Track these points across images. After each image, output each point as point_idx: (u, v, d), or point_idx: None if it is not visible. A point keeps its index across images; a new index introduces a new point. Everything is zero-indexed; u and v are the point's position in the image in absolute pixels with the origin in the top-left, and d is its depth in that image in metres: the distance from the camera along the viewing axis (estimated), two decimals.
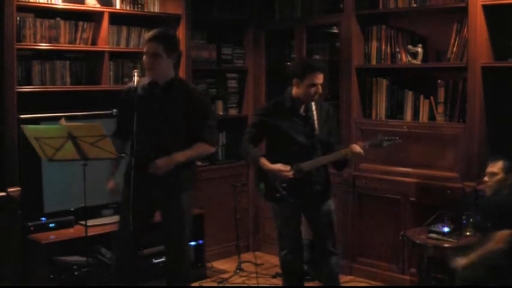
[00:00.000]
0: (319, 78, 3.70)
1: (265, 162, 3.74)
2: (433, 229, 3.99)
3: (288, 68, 4.96)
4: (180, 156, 3.48)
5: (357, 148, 3.66)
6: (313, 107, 3.80)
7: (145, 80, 3.58)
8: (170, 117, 3.45)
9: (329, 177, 3.93)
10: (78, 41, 4.55)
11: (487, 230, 3.59)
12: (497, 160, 3.60)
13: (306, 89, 3.70)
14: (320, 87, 3.71)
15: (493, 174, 3.59)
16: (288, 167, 3.68)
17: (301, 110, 3.80)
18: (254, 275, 4.99)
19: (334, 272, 3.94)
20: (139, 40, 4.87)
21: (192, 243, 4.87)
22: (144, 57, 3.49)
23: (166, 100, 3.49)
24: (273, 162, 3.72)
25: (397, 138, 3.79)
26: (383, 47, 4.80)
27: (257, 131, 3.88)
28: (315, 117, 3.78)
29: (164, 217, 3.61)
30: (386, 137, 3.76)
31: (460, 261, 3.50)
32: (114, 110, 3.85)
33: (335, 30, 5.45)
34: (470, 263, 3.46)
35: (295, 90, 3.78)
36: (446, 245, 3.85)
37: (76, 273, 4.07)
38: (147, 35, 3.56)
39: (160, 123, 3.45)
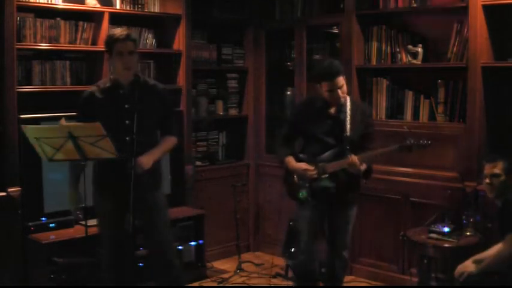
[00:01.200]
0: (336, 84, 3.60)
1: (290, 160, 3.74)
2: (433, 229, 3.99)
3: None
4: (158, 152, 3.54)
5: (354, 159, 3.54)
6: (348, 107, 3.70)
7: (105, 83, 3.56)
8: (142, 115, 3.41)
9: (359, 183, 3.80)
10: (78, 41, 4.55)
11: (491, 231, 3.55)
12: (496, 160, 3.51)
13: (326, 94, 3.65)
14: (339, 91, 3.60)
15: (496, 175, 3.48)
16: (312, 167, 3.64)
17: (333, 110, 3.71)
18: (254, 275, 5.00)
19: (338, 275, 3.91)
20: (140, 40, 4.87)
21: (192, 243, 4.88)
22: (117, 57, 3.44)
23: (135, 99, 3.45)
24: (301, 161, 3.71)
25: (428, 141, 3.60)
26: (383, 47, 4.80)
27: (290, 131, 3.88)
28: (348, 118, 3.68)
29: (146, 215, 3.58)
30: (416, 142, 3.59)
31: (469, 267, 3.41)
32: (76, 114, 3.63)
33: (335, 30, 5.45)
34: (481, 270, 3.36)
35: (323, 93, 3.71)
36: (446, 245, 3.85)
37: (76, 273, 4.06)
38: (119, 34, 3.45)
39: (133, 122, 3.38)
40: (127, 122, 3.43)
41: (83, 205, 3.50)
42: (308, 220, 3.78)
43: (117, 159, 3.30)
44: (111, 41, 3.46)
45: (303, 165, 3.67)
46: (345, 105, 3.71)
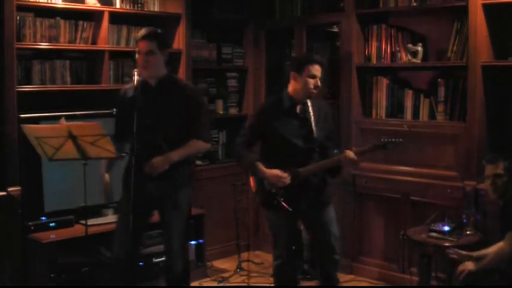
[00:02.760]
0: (318, 70, 3.57)
1: (261, 167, 3.62)
2: (434, 228, 3.99)
3: (287, 66, 4.92)
4: (175, 155, 3.47)
5: (350, 154, 3.51)
6: (310, 107, 3.63)
7: (138, 81, 3.56)
8: (165, 116, 3.43)
9: (327, 183, 3.76)
10: (78, 41, 4.55)
11: (491, 230, 3.54)
12: (497, 160, 3.49)
13: (304, 82, 3.56)
14: (319, 80, 3.57)
15: (498, 175, 3.46)
16: (286, 174, 3.54)
17: (298, 110, 3.64)
18: (254, 274, 5.00)
19: (330, 276, 3.86)
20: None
21: (193, 242, 4.88)
22: (138, 56, 3.48)
23: (160, 99, 3.48)
24: (269, 167, 3.59)
25: (400, 139, 3.61)
26: (383, 46, 4.80)
27: (253, 134, 3.73)
28: (312, 118, 3.61)
29: (162, 216, 3.61)
30: (389, 140, 3.58)
31: (469, 266, 3.40)
32: (114, 111, 3.83)
33: (335, 30, 5.45)
34: (481, 268, 3.35)
35: (292, 87, 3.64)
36: (446, 244, 3.85)
37: (76, 273, 4.07)
38: (139, 33, 3.54)
39: (155, 123, 3.43)
40: (148, 121, 3.42)
41: (83, 205, 3.51)
42: (286, 227, 3.70)
43: (137, 158, 3.27)
44: (136, 40, 3.52)
45: (277, 172, 3.56)
46: (307, 104, 3.63)
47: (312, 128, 3.59)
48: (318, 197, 3.69)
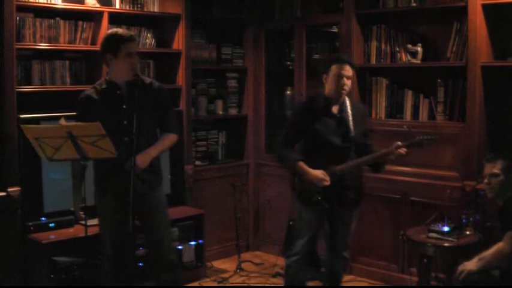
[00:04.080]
0: (346, 70, 3.62)
1: (303, 166, 3.66)
2: (433, 228, 3.99)
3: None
4: (154, 150, 3.51)
5: (402, 150, 3.54)
6: (348, 107, 3.69)
7: (101, 84, 3.55)
8: (140, 115, 3.39)
9: (363, 184, 3.85)
10: (77, 41, 4.55)
11: (491, 230, 3.54)
12: (495, 159, 3.50)
13: (333, 82, 3.62)
14: (348, 80, 3.62)
15: (494, 175, 3.47)
16: (328, 177, 3.61)
17: (335, 110, 3.69)
18: (254, 275, 5.00)
19: (338, 275, 3.91)
20: (139, 40, 4.87)
21: (192, 242, 4.88)
22: (128, 58, 3.44)
23: (132, 98, 3.43)
24: (308, 165, 3.64)
25: (434, 136, 3.67)
26: (382, 47, 4.80)
27: (292, 132, 3.79)
28: (350, 118, 3.66)
29: (146, 214, 3.59)
30: (425, 137, 3.63)
31: (469, 266, 3.40)
32: (76, 115, 3.62)
33: (335, 30, 5.45)
34: (481, 267, 3.36)
35: (326, 89, 3.70)
36: (446, 244, 3.85)
37: (76, 273, 4.06)
38: (125, 34, 3.47)
39: (131, 122, 3.37)
40: (125, 122, 3.43)
41: (84, 205, 3.50)
42: (310, 224, 3.76)
43: (117, 158, 3.29)
44: (117, 41, 3.42)
45: (320, 173, 3.62)
46: (345, 104, 3.70)
47: (349, 128, 3.65)
48: (351, 198, 3.74)
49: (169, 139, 3.65)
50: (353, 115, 3.68)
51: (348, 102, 3.71)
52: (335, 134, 3.66)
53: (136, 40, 3.50)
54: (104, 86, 3.52)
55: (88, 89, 3.59)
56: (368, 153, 3.68)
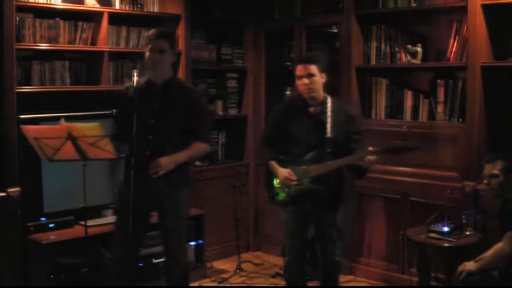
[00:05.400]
0: (298, 70, 3.57)
1: (274, 165, 3.66)
2: (433, 228, 3.99)
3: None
4: (181, 156, 3.48)
5: (370, 158, 3.43)
6: (329, 108, 3.61)
7: (143, 80, 3.55)
8: (169, 117, 3.44)
9: (341, 186, 3.72)
10: (77, 41, 4.55)
11: (490, 230, 3.54)
12: (495, 160, 3.50)
13: (296, 83, 3.62)
14: (306, 79, 3.55)
15: (494, 176, 3.47)
16: (294, 177, 3.55)
17: (312, 109, 3.64)
18: (254, 275, 5.00)
19: (332, 278, 3.84)
20: (139, 40, 4.87)
21: (192, 243, 4.88)
22: (149, 54, 3.47)
23: (165, 99, 3.48)
24: (283, 164, 3.62)
25: (416, 145, 3.55)
26: (382, 47, 4.80)
27: (270, 133, 3.81)
28: (328, 119, 3.58)
29: (162, 217, 3.61)
30: (401, 144, 3.52)
31: (469, 266, 3.41)
32: (114, 111, 3.80)
33: (335, 30, 5.45)
34: (480, 268, 3.36)
35: None
36: (446, 245, 3.85)
37: (76, 273, 4.07)
38: (151, 32, 3.55)
39: (159, 123, 3.43)
40: (152, 121, 3.42)
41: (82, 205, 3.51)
42: (289, 224, 3.73)
43: (139, 156, 3.28)
44: (147, 39, 3.53)
45: (286, 173, 3.58)
46: (325, 105, 3.63)
47: (325, 128, 3.58)
48: (326, 200, 3.65)
49: (199, 147, 3.59)
50: (333, 116, 3.59)
51: (329, 103, 3.63)
52: (310, 134, 3.60)
53: (163, 38, 3.48)
54: (143, 83, 3.51)
55: (128, 83, 3.62)
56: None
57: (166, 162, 3.41)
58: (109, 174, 3.63)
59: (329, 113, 3.60)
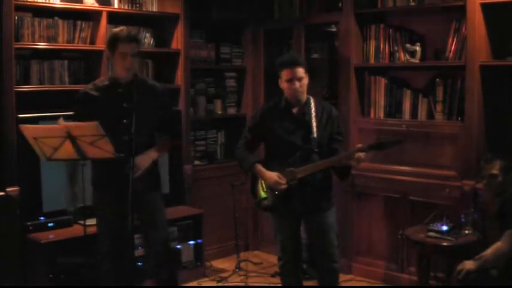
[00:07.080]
0: (295, 73, 3.49)
1: (261, 169, 3.59)
2: (432, 227, 3.99)
3: None
4: (156, 152, 3.52)
5: (360, 155, 3.36)
6: (313, 108, 3.58)
7: (103, 81, 3.54)
8: (140, 114, 3.37)
9: (329, 186, 3.66)
10: (76, 40, 4.55)
11: (489, 229, 3.54)
12: (494, 160, 3.50)
13: (284, 86, 3.55)
14: (297, 83, 3.50)
15: (493, 175, 3.48)
16: (284, 180, 3.48)
17: (296, 111, 3.59)
18: (253, 274, 5.00)
19: (331, 282, 3.73)
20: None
21: (191, 242, 4.88)
22: (121, 58, 3.39)
23: (133, 98, 3.40)
24: (269, 167, 3.56)
25: (400, 139, 3.55)
26: (381, 46, 4.80)
27: (253, 135, 3.72)
28: (313, 119, 3.56)
29: (145, 215, 3.59)
30: (388, 140, 3.51)
31: (468, 265, 3.40)
32: (74, 112, 3.58)
33: (333, 29, 5.45)
34: (480, 266, 3.36)
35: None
36: (445, 244, 3.86)
37: (75, 272, 4.06)
38: (122, 34, 3.41)
39: (132, 121, 3.34)
40: (125, 121, 3.39)
41: (81, 205, 3.50)
42: (280, 228, 3.69)
43: (116, 159, 3.28)
44: (114, 40, 3.40)
45: (275, 176, 3.51)
46: (308, 106, 3.59)
47: (310, 129, 3.54)
48: (315, 201, 3.58)
49: (170, 141, 3.67)
50: (318, 116, 3.57)
51: (312, 104, 3.60)
52: (295, 135, 3.55)
53: (136, 42, 3.43)
54: (106, 83, 3.51)
55: (86, 86, 3.57)
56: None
57: (143, 160, 3.41)
58: (68, 180, 3.59)
59: (313, 114, 3.57)
